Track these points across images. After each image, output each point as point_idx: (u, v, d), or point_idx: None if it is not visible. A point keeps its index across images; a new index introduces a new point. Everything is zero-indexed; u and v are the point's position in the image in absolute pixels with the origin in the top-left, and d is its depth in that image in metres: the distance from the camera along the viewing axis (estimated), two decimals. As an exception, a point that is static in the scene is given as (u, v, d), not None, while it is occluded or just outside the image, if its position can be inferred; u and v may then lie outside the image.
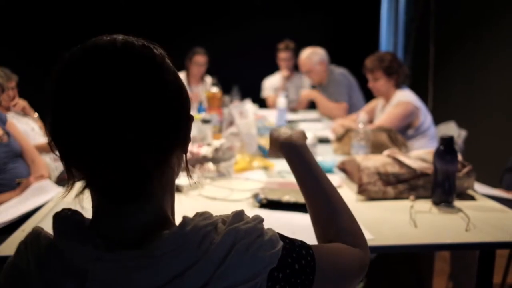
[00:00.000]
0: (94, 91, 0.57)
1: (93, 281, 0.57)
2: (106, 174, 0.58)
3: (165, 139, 0.61)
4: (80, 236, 0.62)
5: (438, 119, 3.16)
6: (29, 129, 2.66)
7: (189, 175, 0.70)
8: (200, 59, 4.47)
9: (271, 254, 0.61)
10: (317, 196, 0.93)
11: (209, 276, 0.57)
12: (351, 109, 3.85)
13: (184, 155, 0.69)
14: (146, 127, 0.58)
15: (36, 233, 0.65)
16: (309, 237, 1.36)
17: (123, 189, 0.60)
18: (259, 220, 0.64)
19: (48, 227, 0.68)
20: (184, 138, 0.66)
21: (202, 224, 0.61)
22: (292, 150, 0.98)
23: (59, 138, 0.61)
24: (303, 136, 1.02)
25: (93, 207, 0.64)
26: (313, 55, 3.92)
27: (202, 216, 0.63)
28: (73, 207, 0.67)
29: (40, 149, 2.44)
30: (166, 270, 0.57)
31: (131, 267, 0.57)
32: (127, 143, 0.58)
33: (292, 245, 0.66)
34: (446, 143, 1.61)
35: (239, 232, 0.61)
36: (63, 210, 0.65)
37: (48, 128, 0.61)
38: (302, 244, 0.68)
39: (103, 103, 0.57)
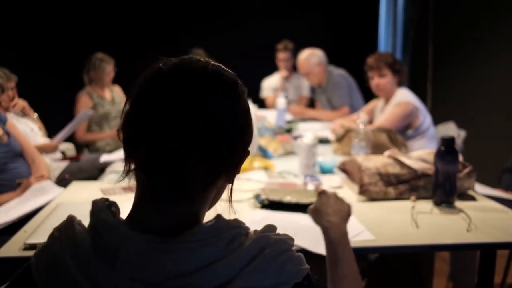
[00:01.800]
0: (174, 99, 0.63)
1: (123, 263, 0.60)
2: (159, 163, 0.62)
3: (218, 161, 0.65)
4: (115, 222, 0.65)
5: (437, 120, 3.17)
6: (28, 130, 2.65)
7: (231, 205, 0.74)
8: None
9: (298, 269, 0.63)
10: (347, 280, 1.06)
11: (234, 274, 0.59)
12: (351, 109, 3.86)
13: (229, 185, 0.73)
14: (206, 144, 0.63)
15: (71, 220, 0.68)
16: (310, 237, 1.37)
17: (167, 183, 0.64)
18: (289, 237, 0.67)
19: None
20: (233, 167, 0.70)
21: (235, 225, 0.64)
22: (342, 236, 1.13)
23: (131, 122, 0.65)
24: (348, 214, 1.20)
25: (134, 202, 0.67)
26: (311, 57, 3.92)
27: (236, 220, 0.66)
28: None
29: (40, 150, 2.44)
30: (194, 258, 0.59)
31: (161, 250, 0.59)
32: (185, 150, 0.62)
33: (319, 280, 0.68)
34: (447, 143, 1.62)
35: (269, 240, 0.63)
36: (102, 198, 0.69)
37: (124, 115, 0.67)
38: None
39: (179, 112, 0.62)
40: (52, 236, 0.67)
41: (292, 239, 0.67)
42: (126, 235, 0.62)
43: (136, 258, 0.60)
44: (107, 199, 0.68)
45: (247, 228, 0.66)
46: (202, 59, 0.69)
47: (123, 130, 0.67)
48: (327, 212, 1.16)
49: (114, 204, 0.68)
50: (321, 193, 1.22)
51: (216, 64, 0.70)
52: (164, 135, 0.62)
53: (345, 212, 1.19)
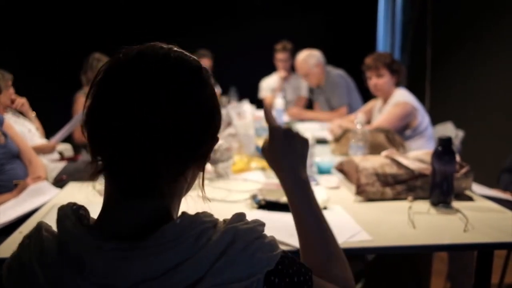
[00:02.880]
0: (136, 88, 0.61)
1: (91, 270, 0.59)
2: (125, 160, 0.61)
3: (186, 149, 0.63)
4: (82, 228, 0.63)
5: (435, 120, 3.17)
6: (26, 131, 2.65)
7: (203, 192, 0.72)
8: (205, 63, 4.47)
9: (269, 256, 0.61)
10: (316, 240, 0.88)
11: (204, 272, 0.58)
12: (349, 109, 3.86)
13: (200, 173, 0.71)
14: (172, 131, 0.61)
15: (39, 227, 0.67)
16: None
17: (135, 180, 0.62)
18: (259, 223, 0.65)
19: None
20: (203, 156, 0.68)
21: (201, 220, 0.62)
22: (297, 182, 0.90)
23: (93, 119, 0.64)
24: (304, 154, 0.94)
25: (104, 200, 0.66)
26: (309, 58, 3.92)
27: (203, 214, 0.64)
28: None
29: (37, 150, 2.43)
30: (161, 261, 0.58)
31: (127, 257, 0.58)
32: (151, 139, 0.60)
33: (293, 259, 0.66)
34: (444, 144, 1.62)
35: (239, 231, 0.61)
36: (69, 203, 0.67)
37: (87, 107, 0.64)
38: (303, 263, 0.68)
39: (141, 101, 0.60)
40: (21, 245, 0.67)
41: (263, 224, 0.65)
42: (91, 244, 0.60)
43: (103, 266, 0.59)
44: (75, 203, 0.67)
45: (215, 220, 0.64)
46: (164, 46, 0.66)
47: (85, 127, 0.65)
48: (277, 155, 0.93)
49: (82, 208, 0.67)
50: (273, 129, 0.96)
51: (179, 50, 0.67)
52: (127, 130, 0.60)
53: (300, 152, 0.94)
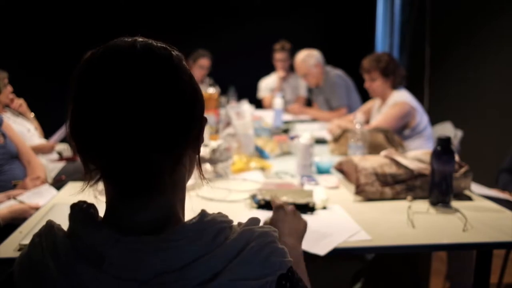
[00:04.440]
0: (112, 90, 0.60)
1: (110, 264, 0.59)
2: (120, 166, 0.62)
3: (177, 138, 0.64)
4: (96, 223, 0.64)
5: (434, 120, 3.17)
6: (25, 130, 2.65)
7: (201, 175, 0.73)
8: (204, 63, 4.48)
9: (282, 261, 0.63)
10: None
11: (222, 268, 0.60)
12: (348, 110, 3.86)
13: (196, 156, 0.72)
14: (159, 125, 0.61)
15: (50, 225, 0.67)
16: (306, 237, 1.36)
17: (135, 182, 0.63)
18: (273, 229, 0.67)
19: None
20: (196, 139, 0.68)
21: (220, 220, 0.64)
22: (297, 258, 0.99)
23: (77, 133, 0.64)
24: (304, 232, 1.11)
25: (107, 201, 0.67)
26: (308, 58, 3.92)
27: (219, 214, 0.66)
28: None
29: (36, 150, 2.43)
30: (180, 256, 0.59)
31: (147, 250, 0.59)
32: (141, 139, 0.60)
33: (298, 274, 0.68)
34: (443, 143, 1.62)
35: (254, 233, 0.64)
36: (79, 201, 0.68)
37: (68, 123, 0.65)
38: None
39: (120, 102, 0.60)
40: (32, 242, 0.67)
41: (276, 231, 0.67)
42: (109, 238, 0.61)
43: (123, 259, 0.60)
44: (85, 201, 0.68)
45: (231, 221, 0.66)
46: (128, 39, 0.66)
47: (73, 137, 0.64)
48: (283, 232, 1.05)
49: (92, 206, 0.68)
50: (278, 208, 1.12)
51: (144, 40, 0.66)
52: (116, 134, 0.60)
53: (301, 231, 1.10)
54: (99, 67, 0.63)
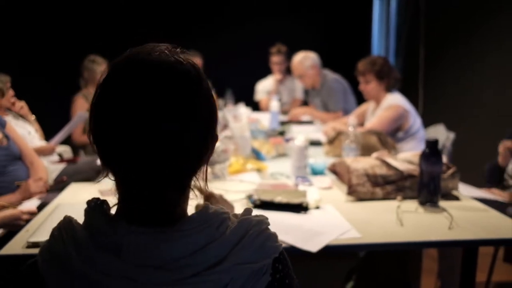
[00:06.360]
0: (134, 104, 0.65)
1: (128, 252, 0.66)
2: (134, 173, 0.68)
3: (201, 149, 0.71)
4: (111, 217, 0.71)
5: (428, 122, 3.22)
6: (26, 133, 2.69)
7: (206, 182, 0.77)
8: (196, 62, 4.51)
9: (275, 245, 0.72)
10: None
11: (226, 253, 0.68)
12: (344, 112, 3.91)
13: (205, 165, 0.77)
14: (185, 136, 0.67)
15: (68, 219, 0.73)
16: (300, 235, 1.43)
17: (149, 186, 0.69)
18: (265, 216, 0.76)
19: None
20: (209, 156, 0.75)
21: (220, 212, 0.72)
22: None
23: (97, 140, 0.69)
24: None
25: (119, 196, 0.72)
26: (305, 60, 3.98)
27: (219, 207, 0.74)
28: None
29: (37, 152, 2.47)
30: (191, 243, 0.67)
31: (162, 239, 0.67)
32: (168, 151, 0.66)
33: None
34: (431, 146, 1.69)
35: (252, 222, 0.72)
36: (93, 198, 0.74)
37: (89, 129, 0.70)
38: None
39: (142, 116, 0.65)
40: (53, 235, 0.72)
41: (267, 218, 0.75)
42: (126, 229, 0.67)
43: (140, 249, 0.66)
44: (98, 198, 0.73)
45: (229, 213, 0.74)
46: (153, 53, 0.69)
47: (94, 143, 0.70)
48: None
49: (105, 203, 0.73)
50: (209, 196, 1.17)
51: (168, 52, 0.70)
52: (142, 143, 0.65)
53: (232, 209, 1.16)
54: (120, 80, 0.67)
